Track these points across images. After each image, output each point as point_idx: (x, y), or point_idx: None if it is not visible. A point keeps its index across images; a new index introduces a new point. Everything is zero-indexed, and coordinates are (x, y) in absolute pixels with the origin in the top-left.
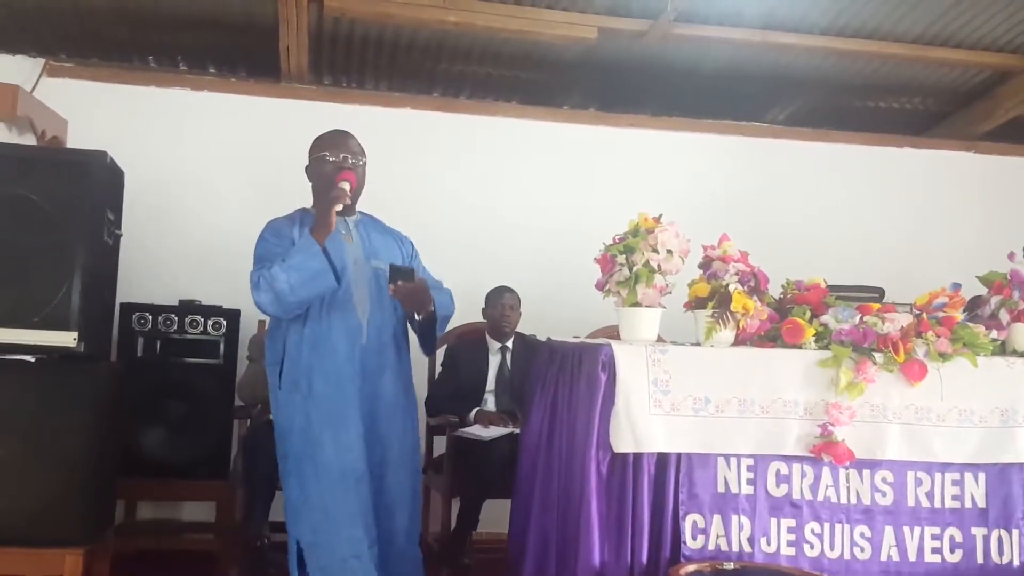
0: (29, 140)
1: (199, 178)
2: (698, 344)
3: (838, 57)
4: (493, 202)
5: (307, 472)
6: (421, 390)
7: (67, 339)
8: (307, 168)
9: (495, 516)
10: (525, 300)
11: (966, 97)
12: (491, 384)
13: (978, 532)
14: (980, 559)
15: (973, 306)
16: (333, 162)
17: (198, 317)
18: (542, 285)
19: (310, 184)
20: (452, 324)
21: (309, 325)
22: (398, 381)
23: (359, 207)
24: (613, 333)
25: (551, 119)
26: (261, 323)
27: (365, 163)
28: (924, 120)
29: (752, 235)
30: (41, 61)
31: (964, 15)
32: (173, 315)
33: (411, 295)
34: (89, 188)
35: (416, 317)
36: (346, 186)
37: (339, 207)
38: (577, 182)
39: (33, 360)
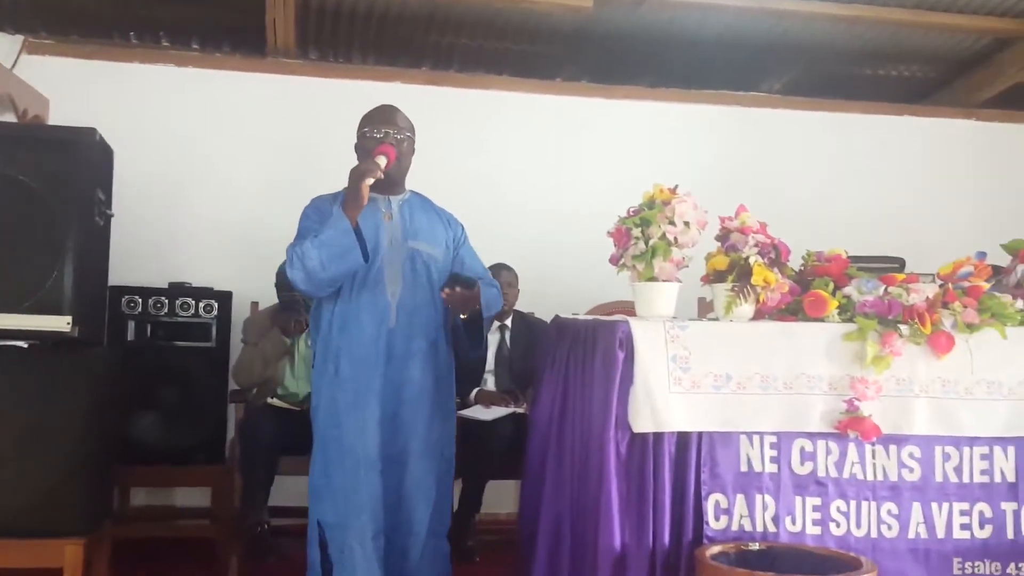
0: (9, 119)
1: (185, 156)
2: (716, 319)
3: (836, 23)
4: (486, 177)
5: (332, 454)
6: None
7: (60, 323)
8: (355, 146)
9: (497, 497)
10: (522, 277)
11: (967, 63)
12: (491, 364)
13: (1008, 507)
14: (1010, 534)
15: (996, 275)
16: (372, 138)
17: (189, 299)
18: (538, 261)
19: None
20: None
21: (339, 304)
22: (428, 370)
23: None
24: (616, 309)
25: (545, 91)
26: (254, 304)
27: (411, 137)
28: (924, 87)
29: (753, 206)
30: (20, 38)
31: None
32: (163, 298)
33: (461, 301)
34: (79, 167)
35: (461, 317)
36: (381, 160)
37: (370, 180)
38: (572, 155)
39: (26, 346)
